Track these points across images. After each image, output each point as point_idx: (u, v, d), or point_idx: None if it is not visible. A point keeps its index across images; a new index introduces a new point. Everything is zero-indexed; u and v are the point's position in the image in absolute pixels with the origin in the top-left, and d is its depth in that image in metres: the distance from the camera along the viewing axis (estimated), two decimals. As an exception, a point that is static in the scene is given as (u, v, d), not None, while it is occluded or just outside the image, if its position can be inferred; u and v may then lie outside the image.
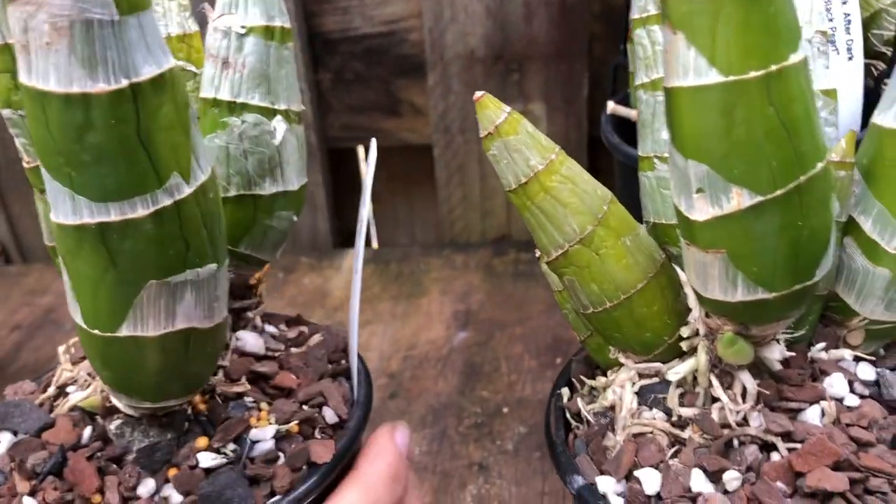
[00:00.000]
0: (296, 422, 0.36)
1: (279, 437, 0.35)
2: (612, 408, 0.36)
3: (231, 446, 0.34)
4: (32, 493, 0.33)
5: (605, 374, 0.38)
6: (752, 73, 0.26)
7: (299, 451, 0.35)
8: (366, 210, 0.40)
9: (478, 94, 0.33)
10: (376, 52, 0.92)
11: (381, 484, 0.35)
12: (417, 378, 0.71)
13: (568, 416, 0.38)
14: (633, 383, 0.36)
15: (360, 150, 1.05)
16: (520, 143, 0.33)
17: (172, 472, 0.33)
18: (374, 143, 0.41)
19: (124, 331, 0.29)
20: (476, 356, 0.73)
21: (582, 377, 0.39)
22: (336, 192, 1.00)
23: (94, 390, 0.36)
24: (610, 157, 0.66)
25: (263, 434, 0.35)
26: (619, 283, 0.33)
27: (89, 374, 0.38)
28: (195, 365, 0.32)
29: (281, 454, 0.35)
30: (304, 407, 0.37)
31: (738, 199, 0.28)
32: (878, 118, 0.34)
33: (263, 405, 0.37)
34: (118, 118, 0.25)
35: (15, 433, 0.36)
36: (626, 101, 0.67)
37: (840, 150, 0.34)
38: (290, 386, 0.38)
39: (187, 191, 0.27)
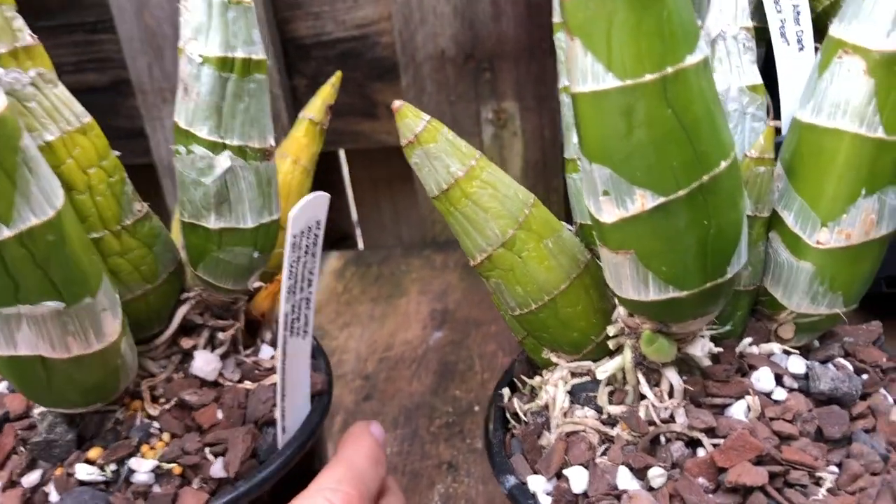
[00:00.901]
0: (178, 464, 0.35)
1: (160, 474, 0.35)
2: (547, 407, 0.37)
3: (112, 466, 0.34)
4: None
5: (542, 374, 0.39)
6: (648, 77, 0.26)
7: (164, 496, 0.34)
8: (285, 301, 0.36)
9: (396, 103, 0.33)
10: (350, 56, 0.92)
11: (364, 462, 0.37)
12: (392, 379, 0.71)
13: (508, 415, 0.39)
14: (566, 382, 0.36)
15: (342, 153, 1.06)
16: (439, 151, 0.33)
17: (59, 471, 0.34)
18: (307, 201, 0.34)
19: None
20: (451, 355, 0.74)
21: (523, 377, 0.40)
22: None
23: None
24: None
25: (140, 465, 0.34)
26: (542, 285, 0.34)
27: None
28: (73, 383, 0.32)
29: (156, 491, 0.34)
30: (207, 450, 0.36)
31: (642, 200, 0.28)
32: (797, 113, 0.34)
33: (166, 436, 0.36)
34: None
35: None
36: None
37: (759, 147, 0.34)
38: (204, 424, 0.37)
39: (6, 233, 0.28)
